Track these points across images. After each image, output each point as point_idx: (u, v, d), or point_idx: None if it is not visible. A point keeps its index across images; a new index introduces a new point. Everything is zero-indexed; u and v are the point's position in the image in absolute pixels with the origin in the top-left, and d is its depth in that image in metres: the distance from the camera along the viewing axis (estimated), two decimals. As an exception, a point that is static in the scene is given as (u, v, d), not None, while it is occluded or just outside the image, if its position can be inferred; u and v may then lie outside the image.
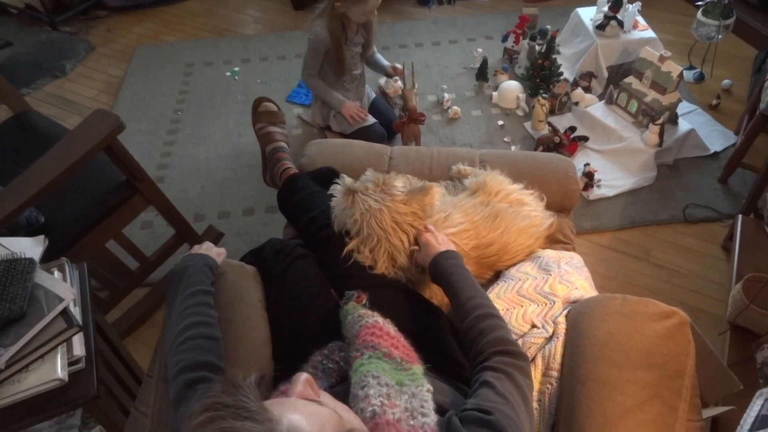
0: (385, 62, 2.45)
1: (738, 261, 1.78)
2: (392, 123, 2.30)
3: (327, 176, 1.54)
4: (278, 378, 1.13)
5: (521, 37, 2.82)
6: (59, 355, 0.98)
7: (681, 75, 2.22)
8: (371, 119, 2.35)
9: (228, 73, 2.95)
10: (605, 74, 2.61)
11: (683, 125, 2.35)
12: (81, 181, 1.55)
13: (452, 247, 1.23)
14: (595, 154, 2.39)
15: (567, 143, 2.32)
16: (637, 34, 2.59)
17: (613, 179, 2.28)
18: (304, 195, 1.52)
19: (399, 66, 2.44)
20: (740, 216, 1.91)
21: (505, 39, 2.89)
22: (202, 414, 0.56)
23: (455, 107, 2.62)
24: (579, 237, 2.12)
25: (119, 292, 1.79)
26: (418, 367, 0.96)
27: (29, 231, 1.50)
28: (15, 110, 1.88)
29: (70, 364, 1.00)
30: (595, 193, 2.23)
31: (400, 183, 1.35)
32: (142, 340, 1.88)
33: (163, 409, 1.01)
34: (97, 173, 1.62)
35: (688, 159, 2.38)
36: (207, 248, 1.25)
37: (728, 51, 2.88)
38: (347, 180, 1.34)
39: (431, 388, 0.89)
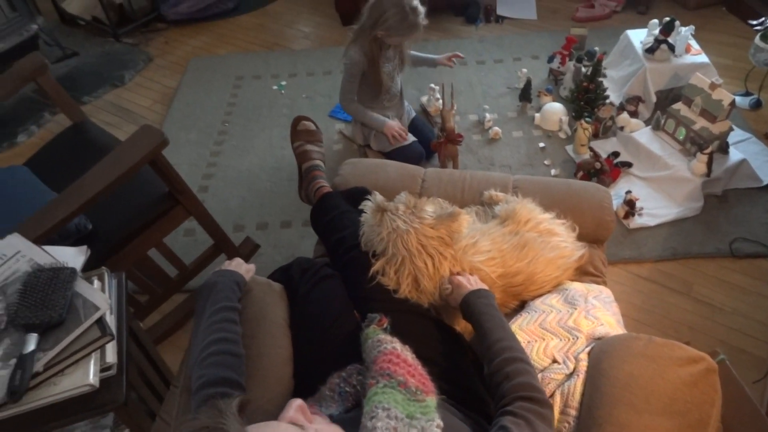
0: (428, 55, 2.48)
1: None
2: (431, 142, 2.32)
3: (359, 196, 1.57)
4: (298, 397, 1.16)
5: (567, 59, 2.79)
6: (92, 362, 1.04)
7: (733, 103, 2.14)
8: (411, 138, 2.38)
9: (275, 87, 3.04)
10: (653, 99, 2.54)
11: (734, 155, 2.26)
12: (127, 191, 1.63)
13: (484, 287, 1.23)
14: (639, 182, 2.33)
15: (609, 169, 2.27)
16: (688, 59, 2.51)
17: (656, 208, 2.21)
18: (335, 214, 1.55)
19: (450, 56, 2.44)
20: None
21: (551, 60, 2.86)
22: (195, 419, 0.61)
23: (496, 128, 2.60)
24: (616, 266, 2.07)
25: (158, 297, 1.87)
26: (432, 400, 0.96)
27: (78, 237, 1.60)
28: (73, 120, 2.00)
29: (102, 370, 1.06)
30: (636, 221, 2.17)
31: (431, 208, 1.37)
32: (178, 344, 1.96)
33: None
34: (143, 184, 1.71)
35: (739, 190, 2.29)
36: (237, 265, 1.30)
37: (789, 77, 2.75)
38: (378, 197, 1.36)
39: (441, 424, 0.89)
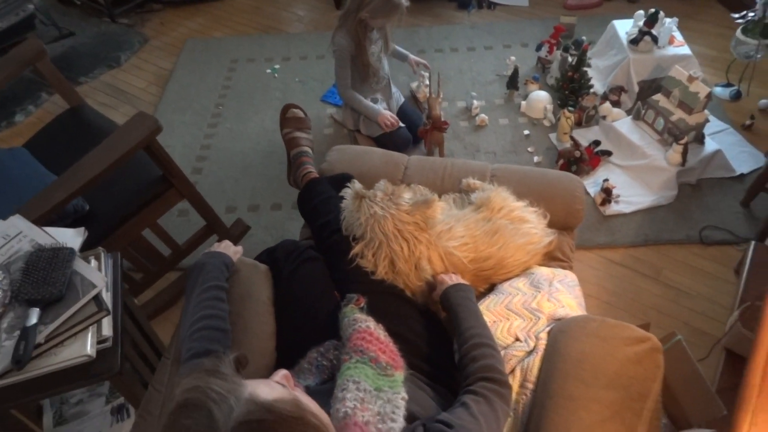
0: (402, 50, 2.57)
1: (744, 287, 1.80)
2: (417, 129, 2.39)
3: (344, 182, 1.65)
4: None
5: (555, 47, 2.84)
6: (90, 335, 1.14)
7: (709, 96, 2.22)
8: (399, 123, 2.45)
9: (269, 71, 3.09)
10: (636, 89, 2.61)
11: (710, 145, 2.34)
12: (123, 174, 1.71)
13: (464, 283, 1.34)
14: (618, 170, 2.41)
15: (588, 157, 2.35)
16: (671, 50, 2.58)
17: (633, 196, 2.30)
18: (321, 199, 1.64)
19: (422, 61, 2.54)
20: (753, 242, 1.91)
21: (539, 48, 2.92)
22: (188, 375, 0.69)
23: (483, 115, 2.68)
24: (591, 251, 2.17)
25: (152, 275, 1.96)
26: (400, 375, 1.06)
27: (75, 218, 1.68)
28: (71, 103, 2.07)
29: (99, 342, 1.15)
30: (612, 208, 2.26)
31: (407, 195, 1.45)
32: (171, 319, 2.06)
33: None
34: (138, 168, 1.78)
35: (713, 179, 2.37)
36: (225, 247, 1.39)
37: (770, 69, 2.82)
38: (357, 185, 1.45)
39: (406, 397, 0.99)
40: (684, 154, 2.24)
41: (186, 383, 0.64)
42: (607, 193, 2.25)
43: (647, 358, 1.14)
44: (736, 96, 2.73)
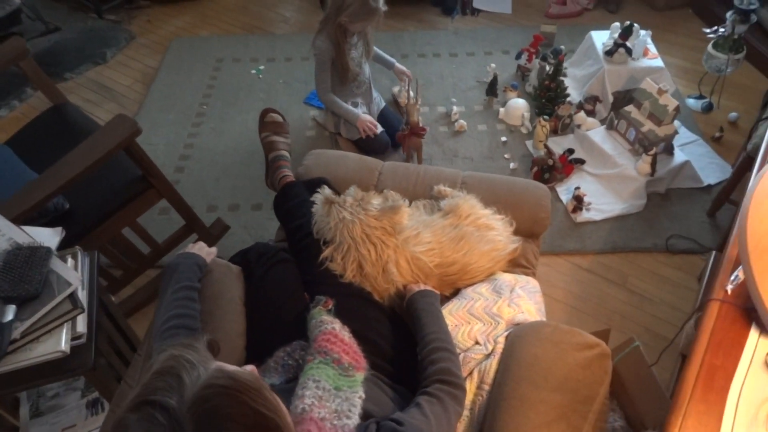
0: (388, 58, 2.62)
1: (702, 295, 1.87)
2: (396, 134, 2.45)
3: (319, 186, 1.70)
4: (248, 366, 1.32)
5: (534, 56, 2.91)
6: (64, 331, 1.18)
7: (677, 109, 2.30)
8: (379, 128, 2.51)
9: (253, 71, 3.13)
10: (610, 99, 2.68)
11: (679, 156, 2.42)
12: (103, 173, 1.75)
13: (430, 289, 1.40)
14: (590, 178, 2.49)
15: (561, 165, 2.42)
16: (645, 62, 2.65)
17: (603, 204, 2.38)
18: (296, 203, 1.69)
19: (407, 71, 2.61)
20: (714, 252, 1.99)
21: (518, 56, 2.98)
22: (165, 349, 0.74)
23: (462, 121, 2.74)
24: (560, 257, 2.24)
25: (132, 272, 2.00)
26: (360, 375, 1.12)
27: (55, 215, 1.72)
28: (53, 101, 2.10)
29: (73, 339, 1.20)
30: (583, 216, 2.33)
31: (376, 201, 1.51)
32: (150, 316, 2.10)
33: (145, 384, 1.21)
34: (118, 168, 1.82)
35: (681, 190, 2.45)
36: (199, 248, 1.43)
37: (742, 82, 2.91)
38: (326, 191, 1.50)
39: (363, 396, 1.05)
40: (653, 164, 2.32)
41: (163, 355, 0.70)
42: (578, 201, 2.32)
43: (595, 363, 1.21)
44: (708, 108, 2.81)
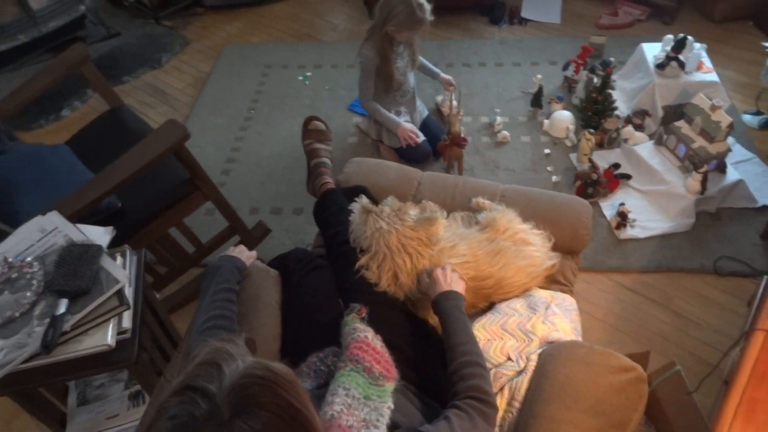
0: (433, 68, 2.64)
1: (751, 321, 1.79)
2: (437, 143, 2.46)
3: (358, 195, 1.73)
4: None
5: (582, 67, 2.86)
6: (111, 326, 1.25)
7: (731, 126, 2.21)
8: (421, 136, 2.52)
9: (300, 78, 3.20)
10: (660, 114, 2.61)
11: (732, 174, 2.33)
12: (154, 175, 1.83)
13: (459, 287, 1.36)
14: (636, 194, 2.42)
15: (605, 180, 2.37)
16: (698, 76, 2.57)
17: (649, 221, 2.31)
18: (334, 210, 1.72)
19: (452, 81, 2.62)
20: (766, 277, 1.90)
21: (566, 67, 2.94)
22: (208, 342, 0.77)
23: (505, 132, 2.72)
24: (602, 274, 2.19)
25: (176, 270, 2.08)
26: (390, 385, 1.13)
27: (108, 214, 1.81)
28: (111, 104, 2.21)
29: (119, 333, 1.26)
30: (627, 232, 2.27)
31: (413, 211, 1.52)
32: (192, 312, 2.15)
33: (183, 381, 1.25)
34: (168, 170, 1.90)
35: (733, 209, 2.36)
36: (239, 251, 1.48)
37: (803, 99, 2.78)
38: (364, 200, 1.52)
39: (392, 406, 1.06)
40: (703, 182, 2.24)
41: (206, 347, 0.74)
42: (622, 217, 2.27)
43: (631, 388, 1.18)
44: (765, 125, 2.69)
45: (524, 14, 3.50)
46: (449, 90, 2.71)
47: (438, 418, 1.08)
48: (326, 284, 1.48)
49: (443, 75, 2.68)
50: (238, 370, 0.68)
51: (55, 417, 1.46)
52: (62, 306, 1.21)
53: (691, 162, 2.30)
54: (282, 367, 0.73)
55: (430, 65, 2.69)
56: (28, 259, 1.30)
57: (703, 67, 2.59)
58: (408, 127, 2.46)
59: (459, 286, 1.39)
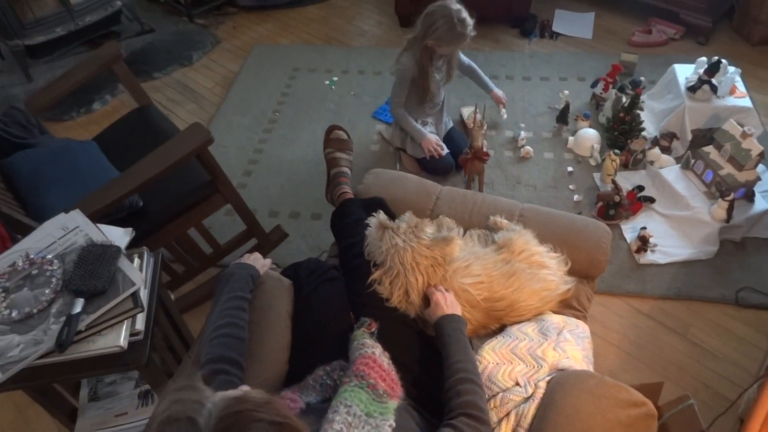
0: (488, 81, 2.67)
1: (770, 358, 1.75)
2: (459, 157, 2.44)
3: (376, 206, 1.73)
4: (289, 380, 1.36)
5: (611, 85, 2.82)
6: (124, 328, 1.27)
7: (762, 155, 2.16)
8: (444, 150, 2.51)
9: (327, 82, 3.22)
10: (689, 137, 2.56)
11: (760, 204, 2.27)
12: (176, 176, 1.84)
13: (458, 310, 1.38)
14: (659, 218, 2.38)
15: (628, 203, 2.33)
16: (730, 101, 2.51)
17: (670, 246, 2.27)
18: (351, 221, 1.72)
19: (502, 97, 2.62)
20: (789, 312, 1.86)
21: (594, 84, 2.90)
22: (164, 396, 0.75)
23: (528, 147, 2.69)
24: (619, 298, 2.16)
25: (194, 269, 2.11)
26: (394, 403, 1.13)
27: (130, 212, 1.85)
28: (139, 103, 2.25)
29: (131, 335, 1.28)
30: (647, 257, 2.23)
31: (430, 229, 1.52)
32: (206, 313, 2.19)
33: (191, 386, 1.27)
34: (190, 172, 1.92)
35: (760, 239, 2.30)
36: (254, 259, 1.49)
37: (840, 128, 2.69)
38: (381, 216, 1.52)
39: (393, 425, 1.06)
40: (729, 210, 2.19)
41: (162, 404, 0.71)
42: (643, 241, 2.23)
43: (640, 424, 1.16)
44: (799, 154, 2.62)
45: (555, 28, 3.46)
46: (499, 105, 2.72)
47: None
48: (338, 297, 1.48)
49: (497, 90, 2.67)
50: (213, 415, 0.66)
51: (66, 411, 1.49)
52: (78, 305, 1.23)
53: (718, 189, 2.25)
54: (250, 391, 0.73)
55: (485, 77, 2.68)
56: (49, 256, 1.33)
57: (736, 92, 2.53)
58: (433, 139, 2.46)
59: (458, 309, 1.40)
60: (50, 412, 1.45)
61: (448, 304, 1.37)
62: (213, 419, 0.65)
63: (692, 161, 2.40)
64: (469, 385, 1.15)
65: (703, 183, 2.35)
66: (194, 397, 0.69)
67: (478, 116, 2.29)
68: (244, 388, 0.81)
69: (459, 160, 2.42)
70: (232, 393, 0.70)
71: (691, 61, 2.68)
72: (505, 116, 2.80)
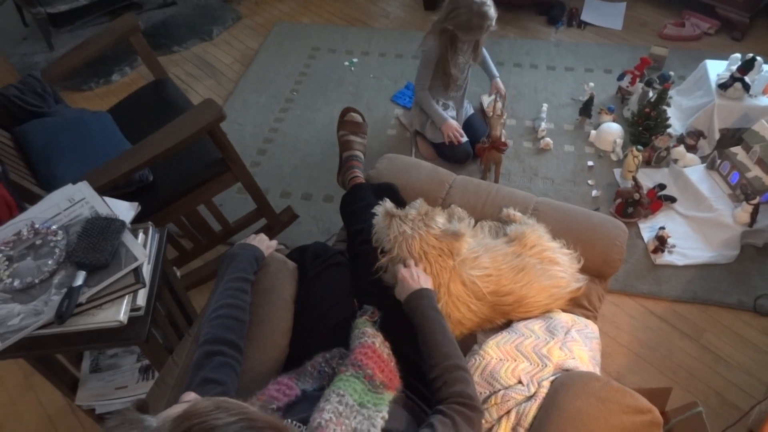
0: (494, 69, 2.61)
1: (786, 370, 1.69)
2: (476, 146, 2.39)
3: (388, 192, 1.70)
4: (288, 365, 1.34)
5: (638, 79, 2.73)
6: (125, 303, 1.26)
7: (792, 158, 2.07)
8: (463, 137, 2.46)
9: (346, 63, 3.17)
10: (716, 136, 2.47)
11: (786, 209, 2.19)
12: (188, 152, 1.83)
13: (429, 283, 1.29)
14: (679, 218, 2.31)
15: (648, 201, 2.26)
16: (763, 101, 2.41)
17: (689, 248, 2.20)
18: (360, 206, 1.69)
19: (502, 90, 2.55)
20: (809, 323, 1.79)
21: (621, 77, 2.81)
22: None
23: (548, 139, 2.63)
24: (632, 299, 2.10)
25: (202, 246, 2.10)
26: (389, 394, 1.10)
27: (140, 186, 1.84)
28: (155, 75, 2.23)
29: (132, 310, 1.27)
30: (664, 258, 2.17)
31: (441, 219, 1.48)
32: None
33: (188, 365, 1.26)
34: (202, 148, 1.90)
35: (784, 246, 2.22)
36: (259, 241, 1.47)
37: None
38: (387, 204, 1.48)
39: (386, 416, 1.03)
40: (753, 214, 2.12)
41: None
42: (661, 242, 2.16)
43: (644, 431, 1.12)
44: (831, 159, 2.51)
45: (584, 17, 3.36)
46: (492, 94, 2.64)
47: (422, 425, 1.04)
48: (342, 283, 1.46)
49: (498, 81, 2.60)
50: None
51: (67, 381, 1.50)
52: (80, 278, 1.23)
53: (743, 192, 2.17)
54: (193, 402, 0.69)
55: (491, 64, 2.61)
56: (54, 227, 1.32)
57: (769, 91, 2.43)
58: (453, 125, 2.41)
59: (428, 283, 1.31)
60: (51, 381, 1.46)
61: (415, 278, 1.28)
62: None
63: (718, 161, 2.32)
64: (458, 373, 1.10)
65: (728, 185, 2.27)
66: (139, 429, 0.66)
67: (498, 105, 2.23)
68: (189, 397, 0.77)
69: (476, 149, 2.37)
70: (173, 412, 0.67)
71: (724, 58, 2.58)
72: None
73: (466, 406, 1.06)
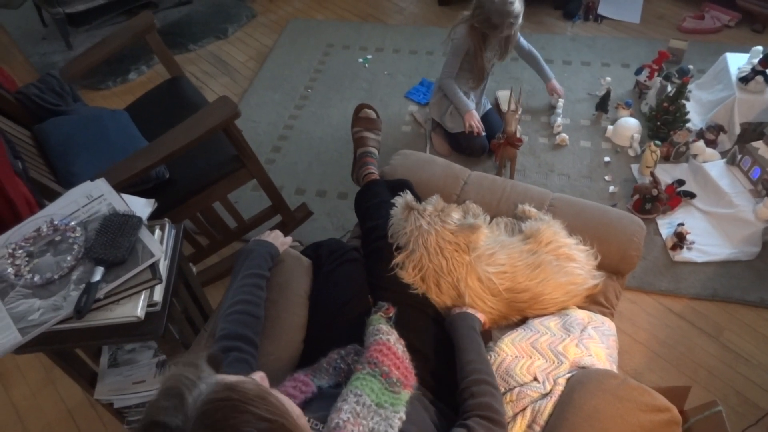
0: (548, 71, 2.61)
1: (809, 369, 1.66)
2: (491, 141, 2.37)
3: (402, 188, 1.69)
4: (303, 361, 1.35)
5: (656, 73, 2.69)
6: (142, 298, 1.27)
7: (816, 153, 2.03)
8: (482, 132, 2.44)
9: (360, 60, 3.16)
10: (737, 131, 2.42)
11: (810, 205, 2.14)
12: (204, 149, 1.85)
13: (480, 317, 1.37)
14: (699, 214, 2.27)
15: (666, 197, 2.23)
16: (786, 94, 2.36)
17: (709, 245, 2.16)
18: (375, 203, 1.69)
19: (560, 91, 2.57)
20: (833, 321, 1.75)
21: (639, 72, 2.77)
22: (172, 367, 0.75)
23: (564, 134, 2.60)
24: (650, 296, 2.08)
25: (218, 243, 2.12)
26: (407, 393, 1.10)
27: (156, 183, 1.85)
28: (171, 73, 2.25)
29: (149, 306, 1.28)
30: (683, 255, 2.14)
31: (456, 214, 1.48)
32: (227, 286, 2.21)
33: (205, 360, 1.27)
34: (218, 145, 1.91)
35: (806, 242, 2.18)
36: (274, 237, 1.48)
37: None
38: (408, 197, 1.49)
39: (404, 417, 1.03)
40: (776, 210, 2.08)
41: (166, 375, 0.71)
42: (680, 238, 2.13)
43: (662, 430, 1.11)
44: None
45: (601, 11, 3.32)
46: (553, 96, 2.66)
47: None
48: (356, 279, 1.46)
49: (555, 82, 2.60)
50: (201, 397, 0.65)
51: (86, 375, 1.52)
52: (98, 274, 1.24)
53: (765, 187, 2.13)
54: (247, 382, 0.70)
55: (545, 66, 2.60)
56: (72, 223, 1.34)
57: (792, 85, 2.38)
58: (476, 115, 2.40)
59: (481, 317, 1.38)
60: (70, 376, 1.48)
61: (464, 309, 1.36)
62: (200, 401, 0.64)
63: (739, 156, 2.27)
64: (485, 387, 1.12)
65: (749, 180, 2.23)
66: (192, 374, 0.67)
67: (513, 100, 2.21)
68: (258, 375, 0.78)
69: (491, 144, 2.35)
70: (229, 378, 0.68)
71: (745, 51, 2.54)
72: (560, 105, 2.70)
73: (490, 420, 1.06)
